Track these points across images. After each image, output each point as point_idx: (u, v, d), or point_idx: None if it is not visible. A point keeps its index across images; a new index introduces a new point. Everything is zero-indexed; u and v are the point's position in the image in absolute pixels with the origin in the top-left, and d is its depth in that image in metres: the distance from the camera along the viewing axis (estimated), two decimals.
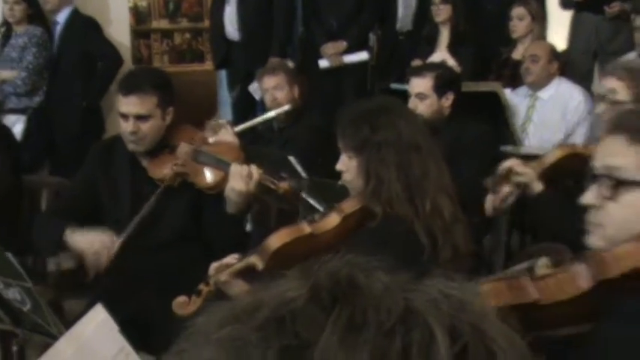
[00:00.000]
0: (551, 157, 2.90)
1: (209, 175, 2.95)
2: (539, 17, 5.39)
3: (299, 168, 3.58)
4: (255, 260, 2.34)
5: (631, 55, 3.13)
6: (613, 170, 1.62)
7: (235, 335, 0.58)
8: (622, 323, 1.49)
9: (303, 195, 2.96)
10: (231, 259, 2.42)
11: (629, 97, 2.88)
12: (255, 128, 4.26)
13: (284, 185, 2.82)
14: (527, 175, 2.77)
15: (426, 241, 2.28)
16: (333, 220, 2.38)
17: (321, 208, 2.82)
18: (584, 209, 1.70)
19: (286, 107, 4.28)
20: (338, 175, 2.75)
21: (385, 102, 2.58)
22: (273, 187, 2.81)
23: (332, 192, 2.92)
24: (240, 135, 3.87)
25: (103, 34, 6.00)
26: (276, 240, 2.34)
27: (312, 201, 2.93)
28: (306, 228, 2.37)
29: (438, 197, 2.33)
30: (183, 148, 3.04)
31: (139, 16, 6.83)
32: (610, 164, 1.63)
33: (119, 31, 6.42)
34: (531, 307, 1.53)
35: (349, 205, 2.40)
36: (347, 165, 2.42)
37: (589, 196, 1.67)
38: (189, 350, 0.60)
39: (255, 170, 2.77)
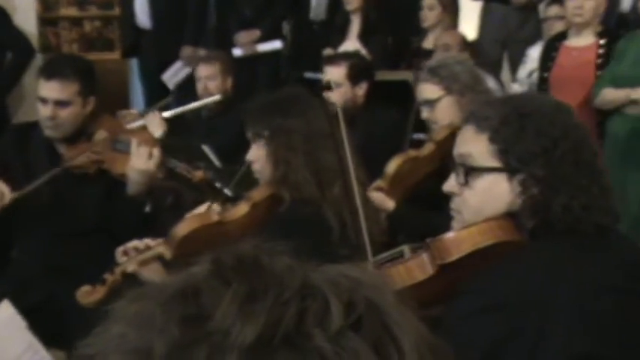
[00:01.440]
0: (391, 170, 2.99)
1: (124, 162, 2.91)
2: (450, 7, 5.48)
3: (213, 157, 3.56)
4: (162, 249, 2.32)
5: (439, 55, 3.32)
6: (465, 158, 1.70)
7: (142, 310, 0.60)
8: (457, 301, 1.57)
9: (218, 185, 2.96)
10: (138, 242, 2.40)
11: (442, 92, 3.06)
12: (183, 116, 4.22)
13: (199, 174, 2.84)
14: (375, 199, 2.85)
15: (335, 224, 2.31)
16: (242, 208, 2.39)
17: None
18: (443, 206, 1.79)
19: (217, 97, 4.25)
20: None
21: (294, 91, 2.62)
22: (188, 175, 2.83)
23: (250, 181, 2.92)
24: (168, 121, 3.83)
25: (12, 23, 5.80)
26: (183, 228, 2.32)
27: (227, 191, 2.92)
28: (214, 216, 2.37)
29: (347, 182, 2.34)
30: (100, 135, 3.01)
31: (46, 3, 6.64)
32: (463, 152, 1.71)
33: (25, 18, 6.19)
34: None
35: (259, 193, 2.41)
36: (256, 154, 2.42)
37: (449, 184, 1.75)
38: (101, 331, 0.61)
39: (155, 150, 2.78)
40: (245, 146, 3.80)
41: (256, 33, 5.70)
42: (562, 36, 4.41)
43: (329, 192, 2.33)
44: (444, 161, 3.08)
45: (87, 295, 2.38)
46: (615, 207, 1.68)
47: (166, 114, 3.78)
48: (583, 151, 1.63)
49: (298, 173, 2.33)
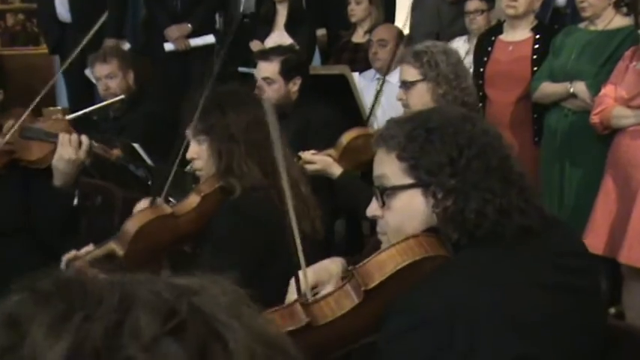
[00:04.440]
0: (345, 140, 3.08)
1: (38, 149, 2.84)
2: (377, 1, 5.45)
3: (144, 155, 3.47)
4: (114, 246, 2.28)
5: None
6: (381, 180, 1.71)
7: None
8: (385, 322, 1.56)
9: (131, 168, 3.07)
10: (83, 250, 2.35)
11: (419, 77, 3.12)
12: (90, 117, 4.07)
13: (116, 152, 2.84)
14: (321, 162, 2.96)
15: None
16: (193, 200, 2.37)
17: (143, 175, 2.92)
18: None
19: (120, 97, 4.12)
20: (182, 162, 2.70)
21: (233, 88, 2.64)
22: (106, 155, 2.80)
23: (181, 179, 2.87)
24: (74, 123, 3.70)
25: None
26: (136, 222, 2.29)
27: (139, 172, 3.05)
28: (166, 208, 2.35)
29: (292, 172, 2.35)
30: (9, 125, 2.90)
31: None
32: (377, 174, 1.73)
33: None
34: (311, 330, 1.59)
35: (207, 185, 2.39)
36: (197, 151, 2.41)
37: (371, 209, 1.75)
38: None
39: (84, 138, 2.73)
40: (156, 143, 3.74)
41: (187, 27, 5.58)
42: (497, 30, 4.41)
43: (276, 182, 2.29)
44: None
45: None
46: (540, 205, 1.69)
47: (70, 117, 3.67)
48: (491, 156, 1.63)
49: (242, 163, 2.34)
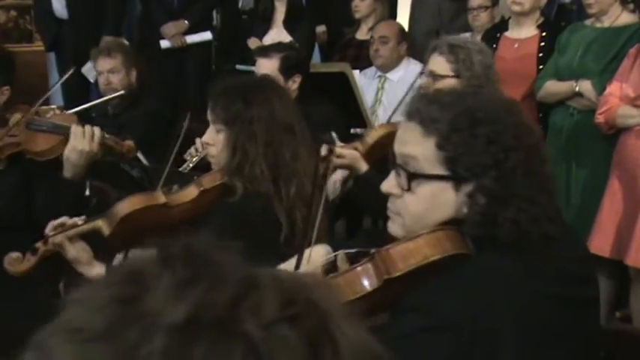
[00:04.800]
0: (373, 137, 2.97)
1: (45, 140, 2.81)
2: None
3: (141, 156, 3.41)
4: (101, 224, 2.27)
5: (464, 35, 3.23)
6: (408, 160, 1.60)
7: (90, 293, 0.63)
8: (403, 318, 1.53)
9: (126, 168, 3.01)
10: (71, 220, 2.32)
11: (451, 72, 3.03)
12: (88, 114, 3.99)
13: (128, 144, 2.82)
14: (350, 156, 2.84)
15: (284, 221, 2.28)
16: (190, 192, 2.34)
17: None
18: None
19: (120, 92, 4.04)
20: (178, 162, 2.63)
21: (261, 79, 2.61)
22: (118, 147, 2.79)
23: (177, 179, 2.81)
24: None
25: None
26: (127, 206, 2.27)
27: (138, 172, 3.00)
28: (160, 197, 2.31)
29: (305, 182, 2.31)
30: (16, 118, 2.89)
31: None
32: (405, 153, 1.61)
33: None
34: None
35: (209, 180, 2.35)
36: (214, 138, 2.36)
37: (389, 185, 1.65)
38: (57, 318, 0.63)
39: (96, 129, 2.73)
40: (154, 143, 3.71)
41: (184, 24, 5.51)
42: (502, 27, 4.36)
43: (285, 189, 2.29)
44: None
45: (15, 263, 2.31)
46: (559, 210, 1.63)
47: (69, 112, 3.61)
48: (534, 160, 1.55)
49: (255, 165, 2.28)
